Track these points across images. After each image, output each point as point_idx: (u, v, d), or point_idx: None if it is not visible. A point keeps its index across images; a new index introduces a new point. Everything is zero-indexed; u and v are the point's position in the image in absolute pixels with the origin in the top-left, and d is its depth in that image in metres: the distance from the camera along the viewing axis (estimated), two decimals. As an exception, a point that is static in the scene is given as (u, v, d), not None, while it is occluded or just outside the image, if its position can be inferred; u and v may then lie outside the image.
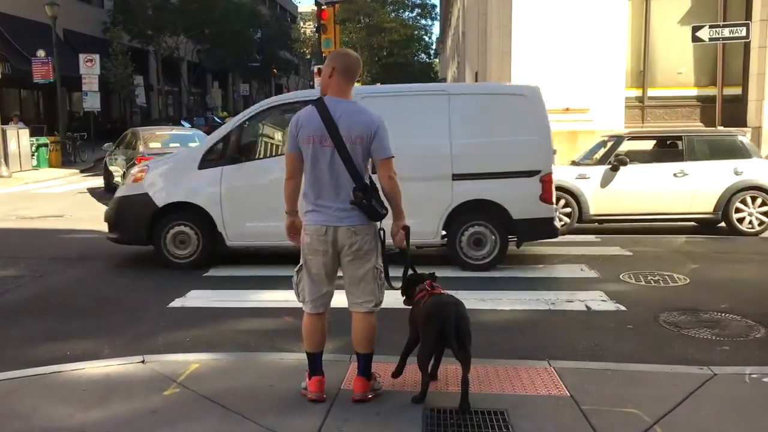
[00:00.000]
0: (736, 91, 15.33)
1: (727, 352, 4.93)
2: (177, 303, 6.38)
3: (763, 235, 9.84)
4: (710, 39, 11.94)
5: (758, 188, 9.86)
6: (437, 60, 73.33)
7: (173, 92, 45.37)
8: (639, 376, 4.27)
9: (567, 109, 14.74)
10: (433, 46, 67.54)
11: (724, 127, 12.13)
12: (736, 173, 9.86)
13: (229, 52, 44.24)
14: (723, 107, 12.13)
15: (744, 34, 11.86)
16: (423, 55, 64.39)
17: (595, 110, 14.83)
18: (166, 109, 43.12)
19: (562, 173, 9.81)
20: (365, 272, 3.82)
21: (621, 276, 7.21)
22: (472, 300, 6.08)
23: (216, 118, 39.88)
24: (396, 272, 4.05)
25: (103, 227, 9.69)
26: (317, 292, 3.87)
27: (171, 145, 14.94)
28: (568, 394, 3.96)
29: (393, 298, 4.11)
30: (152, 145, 14.95)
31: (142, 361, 4.52)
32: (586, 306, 6.13)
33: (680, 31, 15.28)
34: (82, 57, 26.03)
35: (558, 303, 6.25)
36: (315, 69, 29.04)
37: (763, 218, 9.85)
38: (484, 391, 4.01)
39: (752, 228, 9.85)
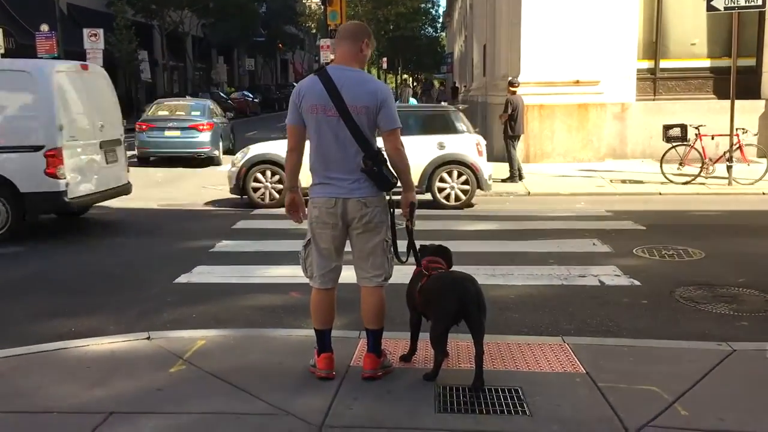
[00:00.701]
0: (750, 62, 15.03)
1: (746, 328, 4.81)
2: (183, 279, 6.30)
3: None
4: (725, 8, 11.61)
5: (459, 162, 10.01)
6: (444, 34, 72.58)
7: (178, 67, 45.02)
8: (656, 353, 4.16)
9: (577, 82, 14.51)
10: (440, 20, 66.77)
11: (738, 99, 11.88)
12: (440, 147, 10.00)
13: (234, 26, 43.80)
14: (736, 79, 11.88)
15: (760, 2, 11.51)
16: (430, 29, 63.71)
17: (606, 83, 14.58)
18: (171, 85, 42.84)
19: None
20: (375, 245, 3.71)
21: (634, 250, 7.07)
22: (482, 275, 5.93)
23: (221, 94, 39.66)
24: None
25: (107, 203, 9.56)
26: (326, 266, 3.76)
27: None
28: (584, 371, 3.85)
29: (402, 273, 4.00)
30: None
31: (148, 338, 4.44)
32: (600, 281, 6.01)
33: (693, 0, 14.94)
34: (86, 31, 25.74)
35: (570, 278, 6.13)
36: (321, 43, 28.78)
37: (460, 194, 10.06)
38: (497, 368, 3.91)
39: (451, 202, 10.05)
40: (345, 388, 3.67)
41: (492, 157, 15.07)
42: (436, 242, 4.27)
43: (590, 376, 3.79)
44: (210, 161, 16.49)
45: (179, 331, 4.72)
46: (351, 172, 3.60)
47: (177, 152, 16.24)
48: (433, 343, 3.71)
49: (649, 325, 4.93)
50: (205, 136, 16.35)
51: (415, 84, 53.77)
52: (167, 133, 16.35)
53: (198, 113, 16.90)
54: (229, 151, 16.76)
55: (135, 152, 16.06)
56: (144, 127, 16.52)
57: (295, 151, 3.72)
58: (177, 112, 17.07)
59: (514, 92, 12.53)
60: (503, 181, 12.24)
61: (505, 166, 12.48)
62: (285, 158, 3.81)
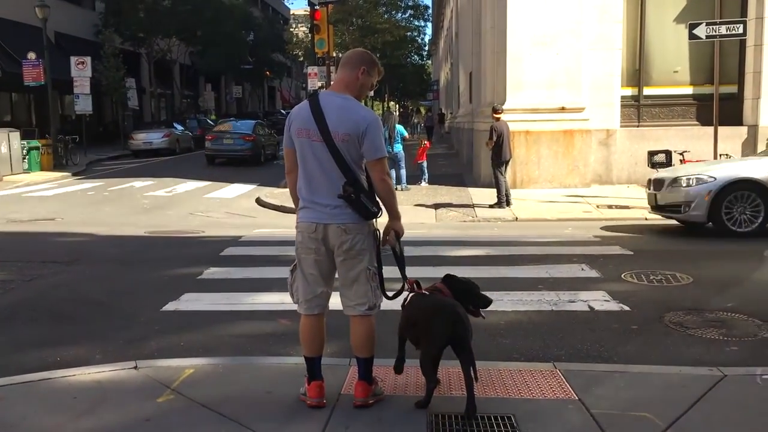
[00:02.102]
0: (732, 89, 15.27)
1: (736, 353, 4.82)
2: (171, 306, 6.23)
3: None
4: (707, 36, 11.85)
5: None
6: (430, 62, 73.26)
7: (165, 95, 45.12)
8: (648, 378, 4.15)
9: (563, 108, 14.66)
10: (426, 48, 67.46)
11: (721, 125, 12.05)
12: None
13: (222, 54, 44.06)
14: (719, 105, 12.07)
15: (741, 31, 11.77)
16: (416, 57, 64.26)
17: (591, 109, 14.76)
18: (159, 112, 42.88)
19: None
20: (357, 273, 3.68)
21: (623, 275, 7.10)
22: (472, 301, 5.97)
23: (209, 120, 39.69)
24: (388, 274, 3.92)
25: (94, 230, 9.53)
26: (311, 292, 3.74)
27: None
28: (576, 398, 3.83)
29: (394, 300, 3.97)
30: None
31: (135, 367, 4.37)
32: (589, 306, 6.02)
33: (676, 29, 15.22)
34: (73, 59, 25.82)
35: (560, 303, 6.12)
36: (309, 71, 28.94)
37: None
38: (488, 395, 3.89)
39: None
40: (336, 416, 3.62)
41: (480, 183, 15.23)
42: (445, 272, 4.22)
43: (582, 402, 3.77)
44: (256, 160, 23.48)
45: (167, 359, 4.65)
46: (333, 198, 3.60)
47: (231, 154, 23.52)
48: (424, 369, 3.66)
49: (640, 350, 4.92)
50: (249, 144, 23.63)
51: (401, 110, 54.11)
52: (225, 141, 23.83)
53: (246, 129, 24.59)
54: (273, 157, 24.79)
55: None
56: (210, 137, 24.29)
57: (291, 174, 3.80)
58: (232, 128, 24.91)
59: (498, 118, 12.60)
60: (491, 207, 12.29)
61: (493, 192, 12.54)
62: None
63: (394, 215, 3.75)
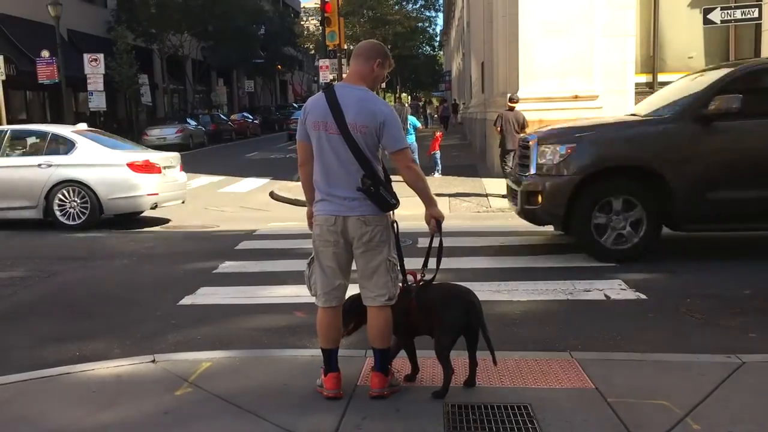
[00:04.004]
0: (748, 74, 15.05)
1: (755, 339, 4.78)
2: (187, 300, 6.28)
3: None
4: (722, 21, 11.72)
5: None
6: (441, 52, 73.01)
7: (178, 90, 45.30)
8: (665, 366, 4.13)
9: (576, 96, 14.53)
10: (437, 38, 67.23)
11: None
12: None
13: (233, 49, 44.13)
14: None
15: (756, 15, 11.64)
16: (427, 47, 64.10)
17: (604, 97, 14.61)
18: (172, 108, 43.09)
19: None
20: (377, 264, 3.68)
21: (639, 263, 7.04)
22: (487, 291, 5.97)
23: (221, 116, 39.83)
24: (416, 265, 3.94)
25: (110, 226, 9.61)
26: (329, 285, 3.74)
27: None
28: (593, 386, 3.82)
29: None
30: None
31: (153, 361, 4.41)
32: (605, 295, 5.98)
33: (690, 14, 15.03)
34: (86, 57, 25.98)
35: (576, 293, 6.10)
36: (320, 64, 28.95)
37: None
38: (505, 384, 3.88)
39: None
40: (353, 407, 3.64)
41: (493, 173, 15.17)
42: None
43: (599, 391, 3.76)
44: None
45: (184, 353, 4.69)
46: (352, 190, 3.60)
47: None
48: (440, 356, 3.68)
49: (657, 338, 4.89)
50: None
51: (411, 102, 54.05)
52: None
53: None
54: None
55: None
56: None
57: (304, 166, 3.78)
58: None
59: (511, 108, 12.59)
60: (503, 196, 12.23)
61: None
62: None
63: (429, 201, 3.74)
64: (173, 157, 11.76)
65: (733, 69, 7.52)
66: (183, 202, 11.92)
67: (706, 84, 7.39)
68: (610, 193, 7.12)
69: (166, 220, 11.45)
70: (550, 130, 7.96)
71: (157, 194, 10.85)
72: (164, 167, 11.12)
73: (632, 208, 7.05)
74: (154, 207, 11.10)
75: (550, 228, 9.36)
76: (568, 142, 7.34)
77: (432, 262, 3.85)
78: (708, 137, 7.03)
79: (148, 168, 10.77)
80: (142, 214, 11.62)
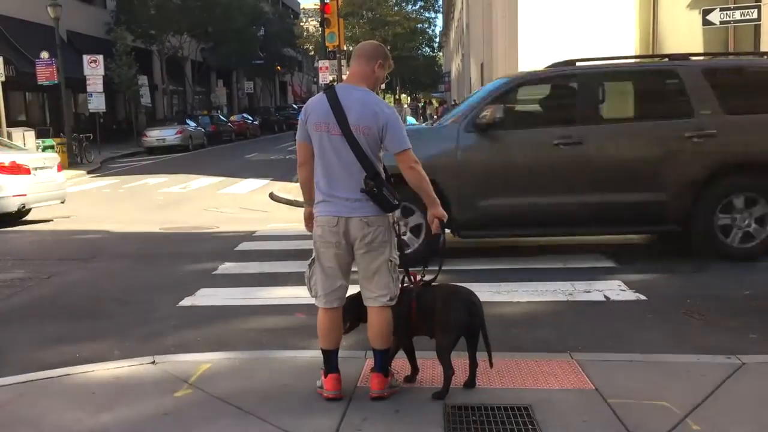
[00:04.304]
0: (747, 75, 15.08)
1: (755, 340, 4.78)
2: (187, 302, 6.27)
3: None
4: (721, 22, 11.69)
5: None
6: (441, 53, 73.03)
7: (178, 92, 45.31)
8: (665, 367, 4.13)
9: (576, 98, 14.54)
10: (437, 39, 67.24)
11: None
12: None
13: (233, 50, 44.14)
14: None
15: (755, 16, 11.61)
16: (427, 48, 64.09)
17: (604, 98, 14.62)
18: (171, 109, 43.09)
19: None
20: (379, 265, 3.69)
21: (639, 264, 7.05)
22: (486, 292, 5.96)
23: (221, 117, 39.84)
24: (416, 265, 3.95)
25: (110, 227, 9.59)
26: (331, 286, 3.74)
27: None
28: (593, 387, 3.82)
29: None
30: None
31: (153, 362, 4.41)
32: (605, 296, 5.98)
33: (689, 16, 15.02)
34: (86, 58, 25.96)
35: (576, 294, 6.10)
36: (320, 65, 28.95)
37: None
38: (505, 385, 3.88)
39: None
40: (353, 408, 3.64)
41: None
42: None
43: (599, 392, 3.76)
44: None
45: (184, 354, 4.69)
46: (354, 191, 3.60)
47: None
48: (441, 356, 3.68)
49: (657, 339, 4.89)
50: None
51: (409, 103, 54.09)
52: None
53: None
54: None
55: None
56: None
57: (304, 166, 3.77)
58: None
59: None
60: None
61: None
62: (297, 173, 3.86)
63: (433, 202, 3.73)
64: (48, 158, 12.07)
65: (509, 80, 7.78)
66: (63, 202, 12.21)
67: (485, 92, 7.69)
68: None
69: (166, 221, 11.43)
70: None
71: (24, 195, 11.03)
72: (35, 168, 11.33)
73: (412, 213, 7.07)
74: (23, 208, 11.36)
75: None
76: None
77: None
78: (481, 146, 7.20)
79: (14, 169, 10.91)
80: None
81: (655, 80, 7.69)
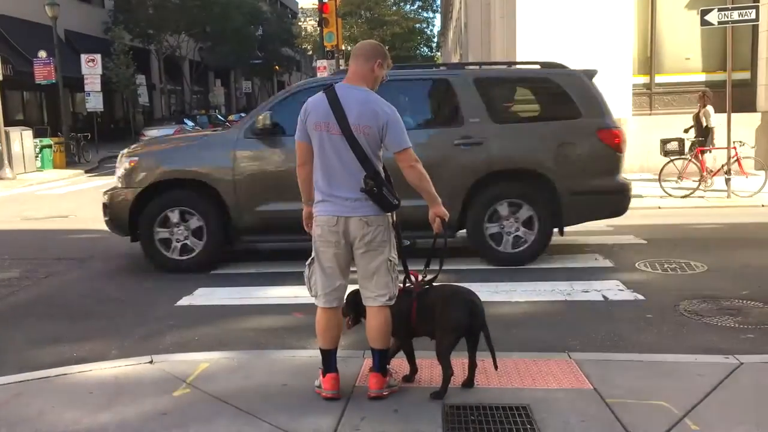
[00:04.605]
0: (745, 75, 15.11)
1: (753, 340, 4.79)
2: (185, 301, 6.27)
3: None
4: (719, 22, 11.69)
5: None
6: (439, 53, 73.07)
7: (176, 91, 45.29)
8: (663, 367, 4.13)
9: (574, 98, 14.54)
10: (435, 39, 67.25)
11: (734, 112, 11.90)
12: None
13: (231, 49, 44.13)
14: (732, 92, 11.95)
15: (753, 16, 11.61)
16: (425, 48, 64.10)
17: (602, 98, 14.62)
18: (169, 108, 43.05)
19: None
20: (378, 265, 3.69)
21: (637, 264, 7.06)
22: (485, 292, 5.93)
23: (219, 116, 39.83)
24: (417, 265, 3.95)
25: (105, 228, 9.55)
26: (330, 285, 3.74)
27: None
28: (591, 387, 3.82)
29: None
30: None
31: (151, 362, 4.40)
32: (603, 296, 5.99)
33: (687, 16, 15.06)
34: (83, 57, 25.92)
35: (574, 293, 6.10)
36: (318, 65, 28.95)
37: None
38: (503, 385, 3.88)
39: None
40: (351, 408, 3.63)
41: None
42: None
43: (598, 392, 3.76)
44: None
45: (182, 354, 4.69)
46: (354, 191, 3.60)
47: None
48: (441, 356, 3.68)
49: (655, 339, 4.90)
50: None
51: None
52: None
53: None
54: None
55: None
56: None
57: (304, 167, 3.75)
58: None
59: None
60: None
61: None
62: (297, 173, 3.84)
63: (434, 200, 3.73)
64: None
65: (291, 87, 7.86)
66: None
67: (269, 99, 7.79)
68: (168, 205, 7.27)
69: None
70: (144, 142, 8.17)
71: None
72: None
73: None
74: None
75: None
76: (134, 156, 7.54)
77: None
78: (258, 152, 7.30)
79: None
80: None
81: (429, 89, 7.72)
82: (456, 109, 7.26)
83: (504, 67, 9.05)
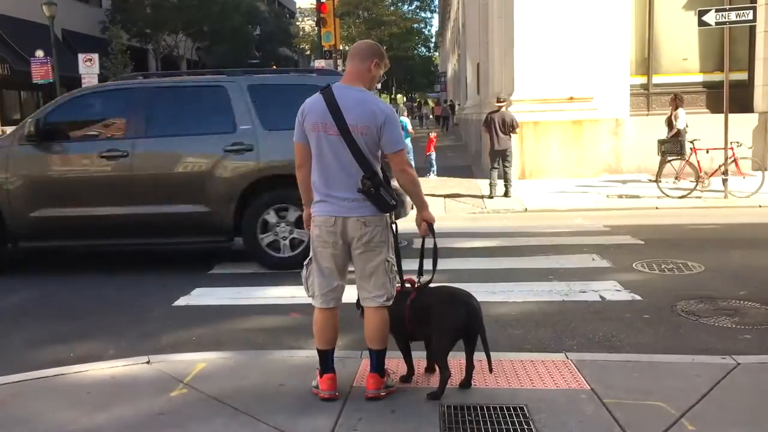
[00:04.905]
0: (742, 76, 15.15)
1: (750, 341, 4.79)
2: (182, 301, 6.26)
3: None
4: (717, 23, 11.72)
5: None
6: (437, 53, 73.08)
7: (173, 91, 45.16)
8: (660, 368, 4.13)
9: (571, 98, 14.58)
10: (433, 39, 67.31)
11: (731, 113, 11.92)
12: None
13: (229, 49, 44.05)
14: (729, 93, 11.97)
15: (750, 17, 11.63)
16: (423, 48, 64.18)
17: (599, 99, 14.66)
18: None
19: None
20: (376, 265, 3.68)
21: (634, 265, 7.07)
22: (482, 293, 5.95)
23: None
24: (411, 266, 3.95)
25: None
26: (327, 286, 3.74)
27: None
28: (589, 387, 3.82)
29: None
30: None
31: (148, 362, 4.39)
32: (601, 296, 5.99)
33: (684, 16, 15.09)
34: (81, 57, 25.82)
35: (571, 294, 6.10)
36: (316, 64, 28.94)
37: None
38: (501, 386, 3.88)
39: None
40: (348, 408, 3.63)
41: (489, 174, 15.18)
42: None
43: (595, 392, 3.76)
44: None
45: (179, 354, 4.68)
46: (351, 191, 3.59)
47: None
48: (438, 358, 3.68)
49: (652, 339, 4.90)
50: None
51: (404, 102, 54.13)
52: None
53: None
54: None
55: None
56: None
57: (302, 168, 3.75)
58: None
59: (498, 108, 12.58)
60: (492, 197, 12.35)
61: (501, 183, 12.54)
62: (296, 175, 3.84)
63: (422, 205, 3.75)
64: None
65: (71, 92, 7.93)
66: None
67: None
68: None
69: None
70: None
71: None
72: None
73: None
74: None
75: (546, 229, 9.40)
76: None
77: (426, 264, 3.86)
78: (31, 158, 7.34)
79: None
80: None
81: (205, 96, 7.71)
82: (230, 115, 7.34)
83: (278, 75, 8.82)
